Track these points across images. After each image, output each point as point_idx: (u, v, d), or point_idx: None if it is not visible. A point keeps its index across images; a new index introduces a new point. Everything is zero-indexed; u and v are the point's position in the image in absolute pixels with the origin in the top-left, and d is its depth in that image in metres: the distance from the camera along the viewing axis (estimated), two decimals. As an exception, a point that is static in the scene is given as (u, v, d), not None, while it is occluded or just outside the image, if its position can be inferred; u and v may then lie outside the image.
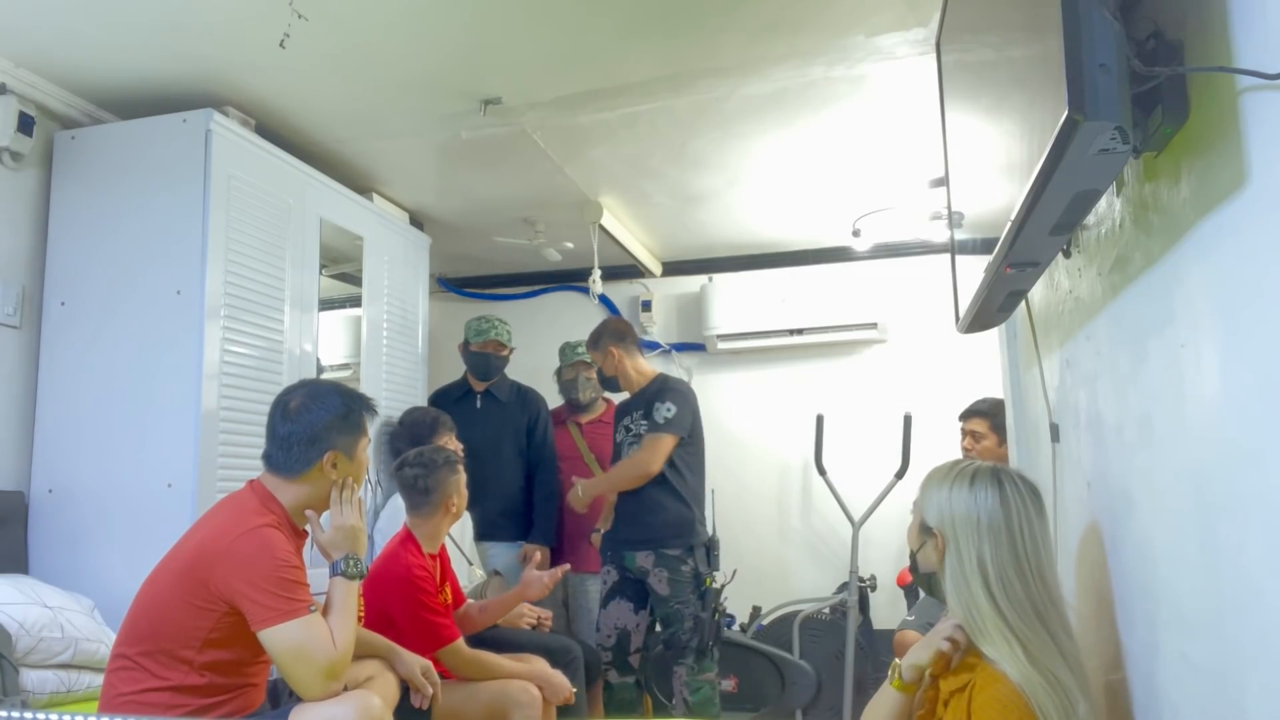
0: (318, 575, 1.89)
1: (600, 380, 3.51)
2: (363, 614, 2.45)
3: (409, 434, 3.19)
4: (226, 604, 1.73)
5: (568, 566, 2.95)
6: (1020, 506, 1.44)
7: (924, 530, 1.51)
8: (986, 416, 3.25)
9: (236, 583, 1.72)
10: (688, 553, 3.12)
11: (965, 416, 3.37)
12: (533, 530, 3.61)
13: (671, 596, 3.08)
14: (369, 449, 2.05)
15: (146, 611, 1.78)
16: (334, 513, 1.92)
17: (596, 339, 3.34)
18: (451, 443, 3.14)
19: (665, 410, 3.13)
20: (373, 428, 2.12)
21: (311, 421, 1.91)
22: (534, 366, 4.14)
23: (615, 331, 3.33)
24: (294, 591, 1.74)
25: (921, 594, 3.48)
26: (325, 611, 1.83)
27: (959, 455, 3.34)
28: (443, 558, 2.65)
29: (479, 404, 3.72)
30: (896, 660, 1.51)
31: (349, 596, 1.86)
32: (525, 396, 3.79)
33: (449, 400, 3.74)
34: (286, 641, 1.71)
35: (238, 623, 1.74)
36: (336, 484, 1.92)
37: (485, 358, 3.71)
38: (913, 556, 1.59)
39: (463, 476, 2.61)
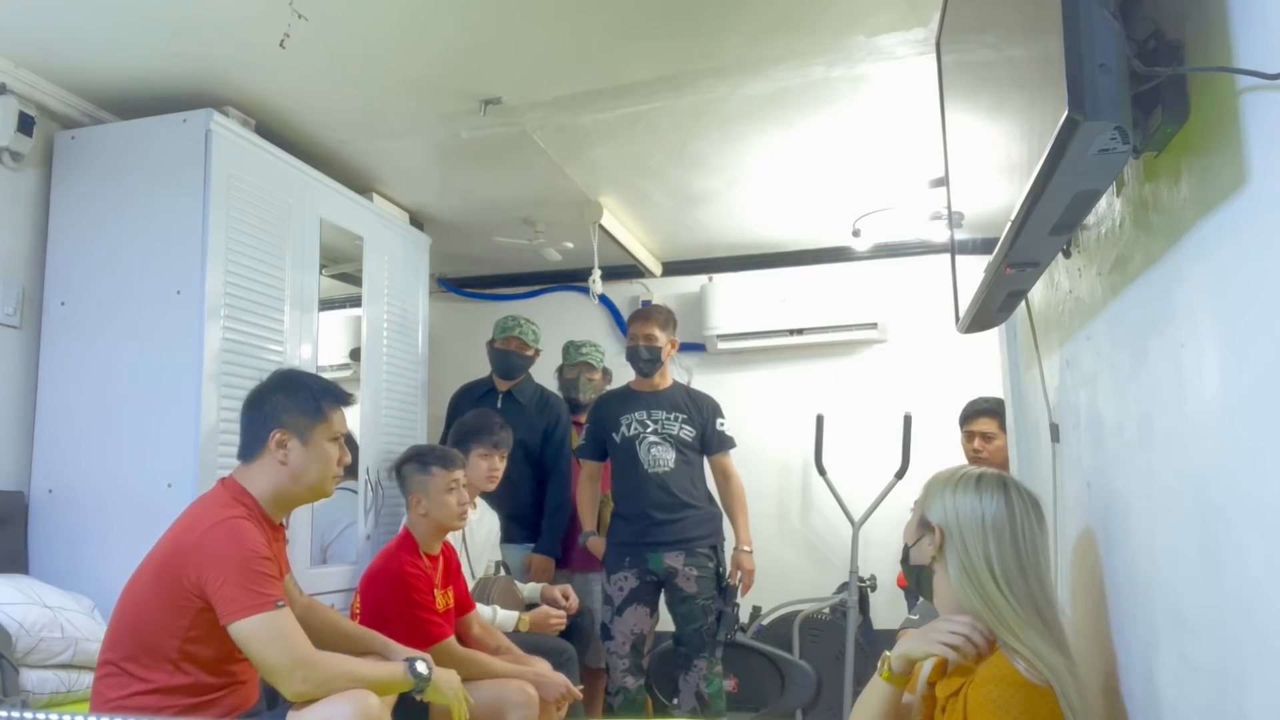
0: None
1: (641, 360, 3.37)
2: (359, 613, 2.47)
3: (461, 427, 3.15)
4: (200, 599, 1.72)
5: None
6: (1024, 513, 1.47)
7: (923, 525, 1.53)
8: (995, 415, 3.12)
9: (207, 574, 1.71)
10: (713, 551, 3.24)
11: (969, 418, 3.25)
12: (539, 540, 3.58)
13: (699, 593, 3.16)
14: (341, 440, 1.99)
15: (125, 615, 1.78)
16: (447, 678, 1.98)
17: (668, 322, 3.39)
18: (484, 460, 3.06)
19: (724, 424, 3.40)
20: (355, 416, 2.10)
21: (261, 401, 1.91)
22: (534, 366, 4.13)
23: (676, 325, 3.45)
24: (261, 584, 1.72)
25: (922, 594, 3.47)
26: (361, 652, 1.90)
27: (960, 458, 3.29)
28: (449, 562, 2.65)
29: (499, 404, 3.65)
30: (886, 653, 1.53)
31: (388, 674, 1.89)
32: (547, 402, 3.73)
33: (471, 397, 3.71)
34: (252, 634, 1.69)
35: (214, 618, 1.72)
36: (455, 696, 1.97)
37: (506, 355, 3.67)
38: (906, 550, 1.61)
39: (438, 479, 2.56)
